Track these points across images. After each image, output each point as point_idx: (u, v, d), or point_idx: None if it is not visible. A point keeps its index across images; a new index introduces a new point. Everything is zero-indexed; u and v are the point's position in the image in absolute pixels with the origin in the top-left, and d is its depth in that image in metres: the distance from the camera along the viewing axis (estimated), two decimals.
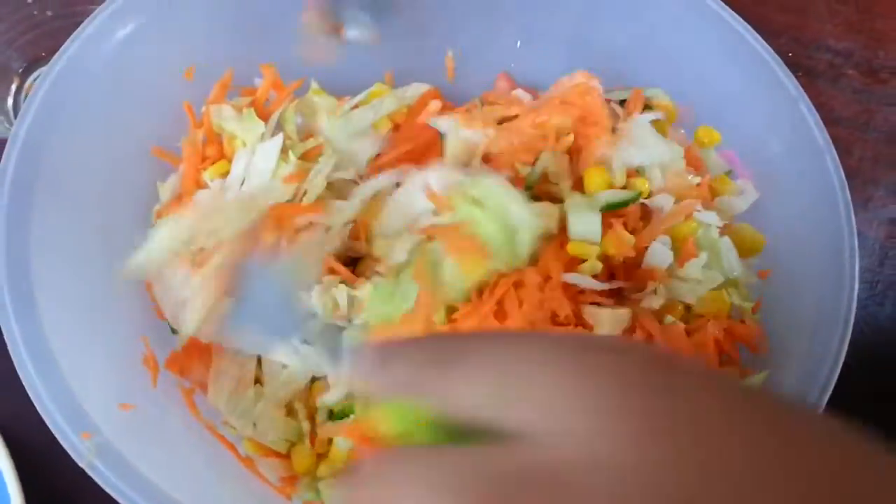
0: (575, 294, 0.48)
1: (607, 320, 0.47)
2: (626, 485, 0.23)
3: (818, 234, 0.50)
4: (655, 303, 0.48)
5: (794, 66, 0.73)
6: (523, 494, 0.23)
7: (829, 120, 0.72)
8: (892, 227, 0.69)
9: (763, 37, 0.73)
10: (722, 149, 0.56)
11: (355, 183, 0.52)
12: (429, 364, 0.27)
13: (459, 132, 0.52)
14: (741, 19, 0.53)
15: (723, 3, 0.53)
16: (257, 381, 0.50)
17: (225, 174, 0.51)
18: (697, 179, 0.53)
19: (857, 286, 0.48)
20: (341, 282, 0.48)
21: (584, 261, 0.49)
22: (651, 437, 0.23)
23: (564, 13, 0.56)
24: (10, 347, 0.42)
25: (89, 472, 0.40)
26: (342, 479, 0.27)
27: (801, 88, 0.53)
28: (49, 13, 0.61)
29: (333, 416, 0.48)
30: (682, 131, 0.57)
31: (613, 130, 0.52)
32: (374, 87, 0.58)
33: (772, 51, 0.53)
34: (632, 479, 0.23)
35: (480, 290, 0.46)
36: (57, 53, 0.45)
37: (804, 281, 0.50)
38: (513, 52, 0.58)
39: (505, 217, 0.44)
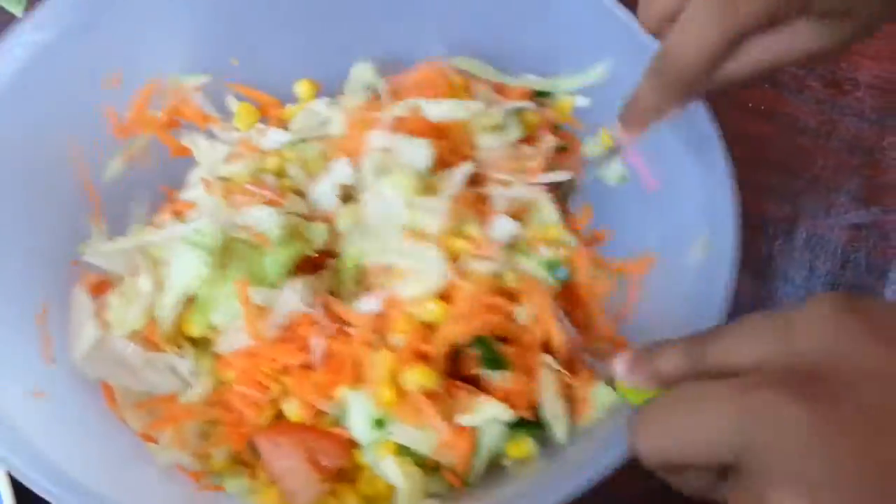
0: None
1: None
2: None
3: (707, 223, 0.51)
4: None
5: (760, 77, 0.76)
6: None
7: (794, 130, 0.74)
8: (853, 231, 0.69)
9: None
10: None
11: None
12: (696, 343, 0.33)
13: None
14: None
15: (619, 4, 0.55)
16: None
17: None
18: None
19: (735, 273, 0.49)
20: None
21: None
22: None
23: (483, 20, 0.58)
24: None
25: None
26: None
27: None
28: None
29: None
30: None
31: None
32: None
33: None
34: None
35: None
36: None
37: (687, 269, 0.51)
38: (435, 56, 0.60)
39: None
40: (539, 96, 0.60)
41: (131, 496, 0.45)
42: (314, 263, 0.53)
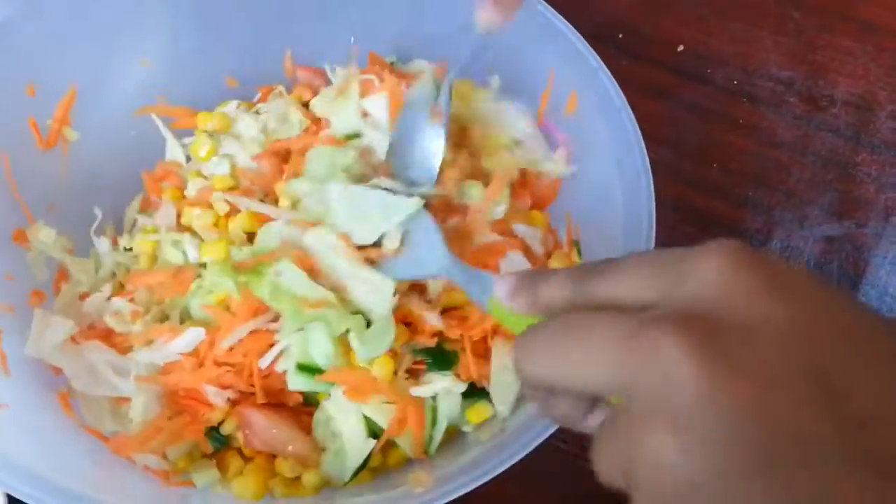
0: None
1: None
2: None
3: (619, 185, 0.52)
4: None
5: (739, 92, 0.77)
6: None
7: (771, 143, 0.75)
8: (826, 244, 0.70)
9: (711, 66, 0.78)
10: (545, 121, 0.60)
11: None
12: (582, 276, 0.31)
13: None
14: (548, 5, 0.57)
15: None
16: None
17: None
18: None
19: (653, 233, 0.49)
20: None
21: None
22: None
23: (392, 10, 0.60)
24: None
25: None
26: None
27: (600, 60, 0.55)
28: None
29: None
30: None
31: None
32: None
33: (575, 30, 0.56)
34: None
35: None
36: None
37: (606, 233, 0.53)
38: (347, 48, 0.62)
39: None
40: None
41: (108, 494, 0.45)
42: None
